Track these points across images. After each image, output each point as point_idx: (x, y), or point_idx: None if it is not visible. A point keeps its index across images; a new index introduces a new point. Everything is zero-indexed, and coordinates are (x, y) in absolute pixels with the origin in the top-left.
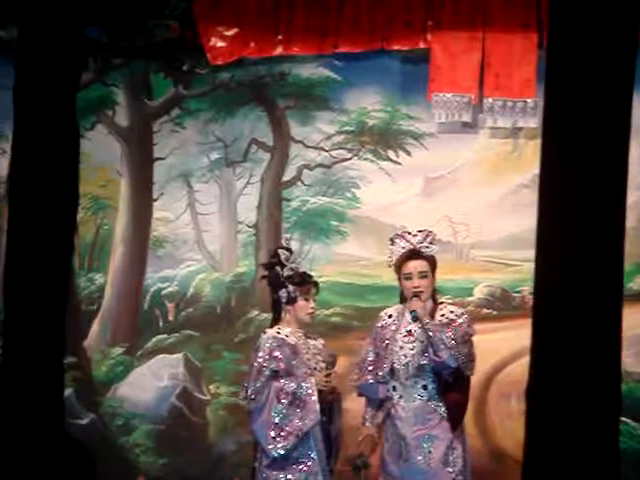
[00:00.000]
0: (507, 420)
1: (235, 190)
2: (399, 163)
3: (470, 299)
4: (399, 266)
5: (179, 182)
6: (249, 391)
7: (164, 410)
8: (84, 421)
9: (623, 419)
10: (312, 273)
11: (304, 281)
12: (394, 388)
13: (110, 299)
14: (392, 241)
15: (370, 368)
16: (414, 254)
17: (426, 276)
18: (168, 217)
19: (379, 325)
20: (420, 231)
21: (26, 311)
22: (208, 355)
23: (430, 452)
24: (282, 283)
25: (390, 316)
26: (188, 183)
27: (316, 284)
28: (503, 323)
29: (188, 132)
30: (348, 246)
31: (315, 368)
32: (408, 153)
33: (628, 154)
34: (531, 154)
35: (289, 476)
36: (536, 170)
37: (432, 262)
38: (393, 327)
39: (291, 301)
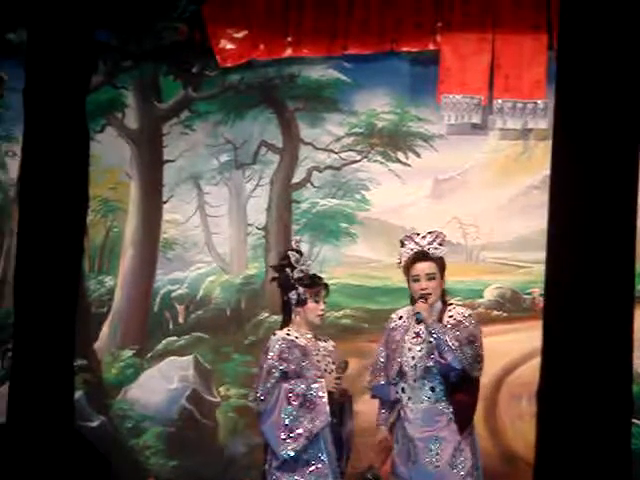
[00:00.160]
0: (518, 421)
1: (245, 192)
2: (408, 165)
3: (480, 301)
4: (407, 268)
5: (189, 184)
6: (259, 392)
7: (174, 412)
8: (94, 423)
9: (634, 420)
10: (322, 275)
11: (314, 283)
12: (403, 390)
13: (120, 301)
14: (402, 243)
15: (382, 370)
16: (421, 256)
17: (434, 278)
18: (178, 219)
19: (390, 327)
20: (430, 232)
21: (36, 314)
22: (218, 357)
23: (438, 454)
24: (292, 285)
25: (400, 317)
26: (198, 185)
27: (326, 286)
28: (513, 325)
29: (198, 134)
30: (358, 248)
31: (325, 370)
32: (418, 155)
33: (639, 155)
34: (541, 155)
35: (299, 478)
36: (546, 171)
37: (440, 264)
38: (403, 329)
39: (301, 303)
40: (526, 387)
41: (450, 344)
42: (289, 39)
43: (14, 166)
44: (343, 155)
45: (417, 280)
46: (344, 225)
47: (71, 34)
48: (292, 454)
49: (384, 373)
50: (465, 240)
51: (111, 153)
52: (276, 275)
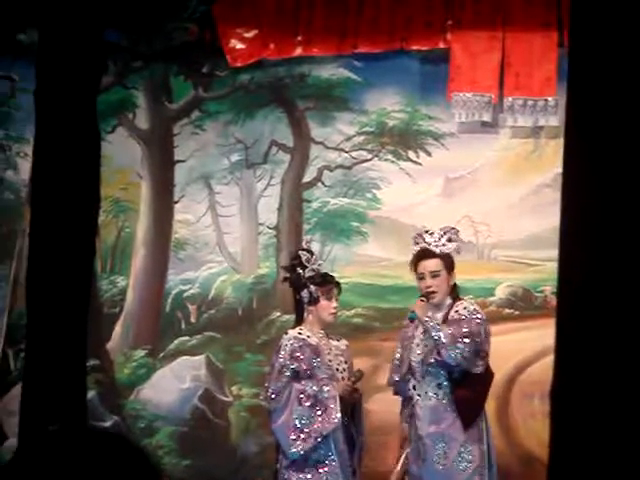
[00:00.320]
0: (530, 420)
1: (256, 192)
2: (419, 163)
3: (492, 299)
4: (414, 266)
5: (200, 184)
6: (270, 391)
7: (187, 412)
8: (107, 424)
9: None
10: (333, 274)
11: (326, 281)
12: (414, 387)
13: (132, 302)
14: (414, 241)
15: (398, 366)
16: (426, 254)
17: (438, 275)
18: (189, 219)
19: (405, 323)
20: (441, 229)
21: (49, 314)
22: (230, 357)
23: (445, 452)
24: (304, 284)
25: None
26: (209, 185)
27: (338, 284)
28: (525, 323)
29: (208, 134)
30: (369, 247)
31: (337, 369)
32: (428, 153)
33: None
34: (552, 153)
35: (309, 477)
36: (557, 169)
37: (447, 260)
38: (414, 325)
39: (313, 301)
40: (538, 385)
41: (443, 340)
42: (299, 38)
43: (25, 167)
44: (354, 154)
45: (422, 278)
46: (355, 224)
47: (81, 35)
48: (300, 454)
49: (399, 370)
50: (476, 238)
51: (122, 153)
52: (287, 275)
